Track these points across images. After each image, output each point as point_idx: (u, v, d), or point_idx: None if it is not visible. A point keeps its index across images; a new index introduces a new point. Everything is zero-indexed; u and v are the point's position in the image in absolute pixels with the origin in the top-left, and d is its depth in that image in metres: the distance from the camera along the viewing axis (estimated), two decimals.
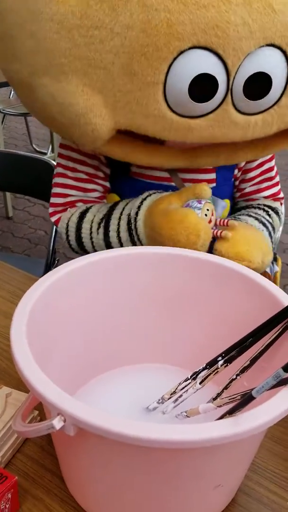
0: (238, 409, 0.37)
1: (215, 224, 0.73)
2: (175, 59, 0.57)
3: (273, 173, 0.94)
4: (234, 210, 0.95)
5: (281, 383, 0.40)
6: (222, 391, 0.53)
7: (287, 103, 0.63)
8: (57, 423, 0.36)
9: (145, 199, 0.75)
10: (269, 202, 0.93)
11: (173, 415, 0.56)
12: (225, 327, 0.56)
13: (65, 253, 2.23)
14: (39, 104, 0.67)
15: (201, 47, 0.56)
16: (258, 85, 0.60)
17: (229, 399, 0.47)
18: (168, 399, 0.56)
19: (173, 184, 0.83)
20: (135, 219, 0.74)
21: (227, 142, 0.68)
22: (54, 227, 1.35)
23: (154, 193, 0.77)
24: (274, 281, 1.03)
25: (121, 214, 0.78)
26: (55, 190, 0.86)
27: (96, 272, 0.56)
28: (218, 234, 0.72)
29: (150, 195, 0.76)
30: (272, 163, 0.94)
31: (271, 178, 0.94)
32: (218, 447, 0.37)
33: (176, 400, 0.56)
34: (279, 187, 0.96)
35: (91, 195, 0.85)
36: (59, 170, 0.86)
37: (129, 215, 0.76)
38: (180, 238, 0.67)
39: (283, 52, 0.59)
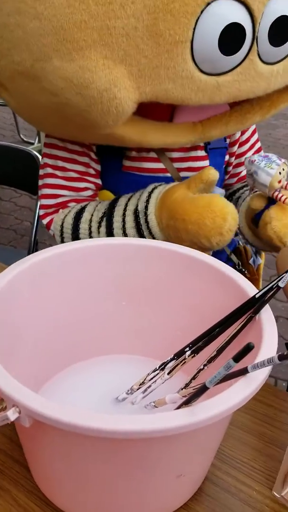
0: (193, 399, 0.37)
1: (282, 187, 0.71)
2: (202, 11, 0.55)
3: (255, 149, 0.95)
4: (230, 194, 0.95)
5: (239, 373, 0.40)
6: (190, 381, 0.53)
7: None
8: (12, 414, 0.36)
9: (152, 191, 0.74)
10: None
11: (142, 405, 0.56)
12: (196, 318, 0.56)
13: (52, 244, 2.21)
14: (45, 96, 0.63)
15: None
16: (281, 30, 0.61)
17: (194, 389, 0.47)
18: (137, 389, 0.56)
19: (168, 174, 0.82)
20: (145, 213, 0.73)
21: (251, 97, 0.68)
22: (37, 218, 1.34)
23: (160, 185, 0.76)
24: (257, 273, 1.03)
25: (124, 210, 0.76)
26: (45, 191, 0.83)
27: (64, 263, 0.56)
28: (281, 198, 0.70)
29: (156, 187, 0.75)
30: (259, 144, 0.95)
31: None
32: (175, 436, 0.37)
33: (145, 390, 0.56)
34: None
35: (83, 194, 0.84)
36: (47, 170, 0.83)
37: (135, 211, 0.74)
38: (207, 221, 0.66)
39: None
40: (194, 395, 0.37)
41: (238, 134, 0.91)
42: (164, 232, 0.73)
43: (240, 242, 1.07)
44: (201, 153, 0.84)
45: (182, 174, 0.83)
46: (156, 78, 0.59)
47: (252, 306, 0.50)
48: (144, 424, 0.35)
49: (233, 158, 0.92)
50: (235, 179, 0.96)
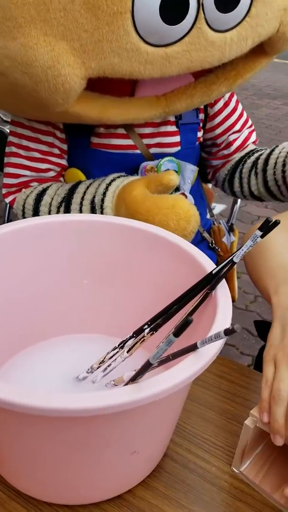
0: (139, 375, 0.36)
1: None
2: None
3: (244, 119, 0.93)
4: (233, 168, 0.92)
5: (189, 349, 0.39)
6: None
7: (257, 12, 0.62)
8: None
9: (109, 184, 0.73)
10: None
11: (103, 384, 0.55)
12: (157, 295, 0.55)
13: None
14: None
15: None
16: None
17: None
18: (98, 368, 0.56)
19: (137, 151, 0.81)
20: (101, 206, 0.72)
21: (206, 68, 0.65)
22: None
23: (119, 177, 0.74)
24: (231, 251, 1.03)
25: (82, 199, 0.74)
26: (8, 170, 0.82)
27: (21, 240, 0.55)
28: None
29: (114, 179, 0.74)
30: (236, 115, 0.92)
31: (250, 125, 0.95)
32: (122, 413, 0.37)
33: (105, 369, 0.55)
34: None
35: (45, 174, 0.82)
36: (12, 149, 0.82)
37: (92, 201, 0.73)
38: (171, 223, 0.65)
39: None
40: (139, 371, 0.36)
41: (216, 108, 0.89)
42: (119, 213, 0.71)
43: (214, 222, 1.07)
44: (172, 128, 0.83)
45: (152, 150, 0.82)
46: (100, 53, 0.57)
47: (209, 282, 0.49)
48: (88, 402, 0.34)
49: (210, 135, 0.90)
50: (232, 148, 0.93)
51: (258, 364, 0.85)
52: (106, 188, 0.72)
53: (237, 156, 0.93)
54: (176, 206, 0.66)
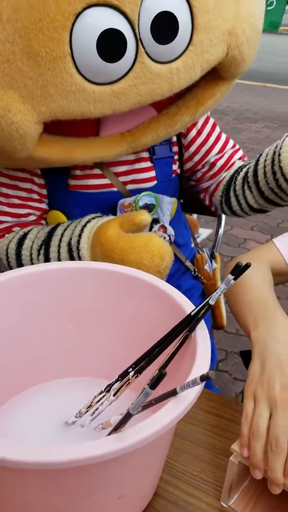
0: (121, 425, 0.38)
1: None
2: (73, 24, 0.56)
3: (223, 141, 0.94)
4: (226, 188, 0.92)
5: (169, 394, 0.41)
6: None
7: (200, 39, 0.63)
8: None
9: (84, 226, 0.75)
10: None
11: (92, 427, 0.57)
12: (140, 336, 0.57)
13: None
14: None
15: (95, 4, 0.55)
16: (165, 27, 0.59)
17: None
18: (86, 412, 0.57)
19: (114, 189, 0.83)
20: (77, 247, 0.74)
21: (158, 99, 0.66)
22: None
23: (93, 218, 0.77)
24: (214, 278, 1.05)
25: (60, 241, 0.77)
26: None
27: (4, 291, 0.56)
28: None
29: (89, 221, 0.76)
30: (211, 140, 0.93)
31: (233, 145, 0.95)
32: (107, 462, 0.38)
33: (93, 413, 0.57)
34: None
35: (26, 219, 0.85)
36: None
37: (69, 243, 0.75)
38: (145, 261, 0.67)
39: None
40: (120, 422, 0.38)
41: (189, 138, 0.90)
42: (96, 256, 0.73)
43: (199, 251, 1.09)
44: (146, 164, 0.86)
45: (129, 187, 0.85)
46: (48, 97, 0.59)
47: (188, 324, 0.51)
48: (71, 453, 0.36)
49: (194, 157, 0.92)
50: (216, 167, 0.93)
51: None
52: (82, 230, 0.74)
53: (226, 175, 0.93)
54: (149, 243, 0.68)
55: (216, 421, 0.64)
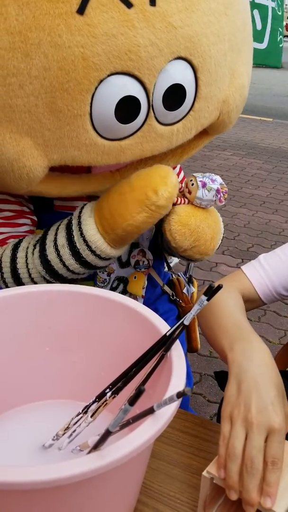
0: (100, 444, 0.39)
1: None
2: (96, 88, 0.60)
3: None
4: None
5: (147, 412, 0.42)
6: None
7: (200, 106, 0.70)
8: None
9: (83, 207, 0.75)
10: None
11: (69, 450, 0.57)
12: (117, 357, 0.58)
13: None
14: None
15: (118, 72, 0.60)
16: (175, 96, 0.66)
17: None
18: (63, 435, 0.57)
19: None
20: (79, 222, 0.73)
21: (157, 154, 0.73)
22: None
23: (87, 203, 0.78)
24: (192, 301, 1.07)
25: (57, 229, 0.77)
26: None
27: None
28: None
29: (85, 204, 0.77)
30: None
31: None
32: (86, 481, 0.39)
33: (71, 435, 0.57)
34: None
35: (21, 229, 0.84)
36: None
37: (68, 225, 0.75)
38: (154, 174, 0.68)
39: (188, 62, 0.65)
40: (100, 440, 0.39)
41: None
42: (101, 221, 0.72)
43: (173, 275, 1.11)
44: None
45: None
46: (61, 147, 0.64)
47: (164, 344, 0.53)
48: (52, 472, 0.36)
49: None
50: None
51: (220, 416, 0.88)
52: (82, 208, 0.75)
53: None
54: (155, 166, 0.70)
55: (192, 441, 0.65)
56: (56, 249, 0.74)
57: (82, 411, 0.56)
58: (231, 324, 0.62)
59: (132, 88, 0.62)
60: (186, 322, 0.51)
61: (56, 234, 0.76)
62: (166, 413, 0.43)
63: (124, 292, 0.90)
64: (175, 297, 1.05)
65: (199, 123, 0.73)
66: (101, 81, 0.60)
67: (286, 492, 0.49)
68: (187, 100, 0.68)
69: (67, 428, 0.57)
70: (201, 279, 2.36)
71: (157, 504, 0.56)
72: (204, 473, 0.51)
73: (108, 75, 0.60)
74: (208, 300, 0.49)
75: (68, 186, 0.74)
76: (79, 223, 0.73)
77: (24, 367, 0.61)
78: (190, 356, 1.74)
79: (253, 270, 0.75)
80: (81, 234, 0.72)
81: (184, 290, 1.08)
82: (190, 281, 1.13)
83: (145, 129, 0.67)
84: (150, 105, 0.65)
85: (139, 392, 0.34)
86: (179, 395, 0.39)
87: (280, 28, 2.65)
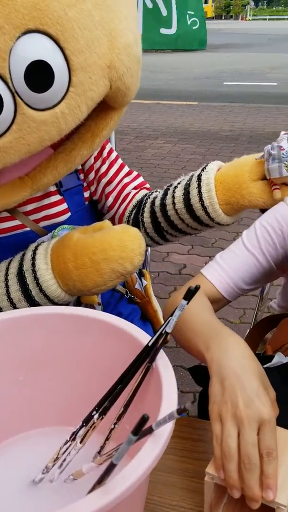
0: (105, 478, 0.37)
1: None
2: None
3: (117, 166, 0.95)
4: (135, 215, 0.93)
5: (145, 433, 0.40)
6: (105, 443, 0.52)
7: (79, 79, 0.61)
8: None
9: (36, 249, 0.73)
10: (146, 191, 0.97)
11: (62, 480, 0.54)
12: (99, 375, 0.56)
13: None
14: None
15: None
16: (40, 75, 0.58)
17: (107, 456, 0.47)
18: (53, 466, 0.54)
19: (27, 229, 0.80)
20: (33, 270, 0.71)
21: (48, 145, 0.65)
22: None
23: (40, 244, 0.75)
24: (147, 295, 1.05)
25: (6, 275, 0.73)
26: None
27: None
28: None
29: (39, 244, 0.74)
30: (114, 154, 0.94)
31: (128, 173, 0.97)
32: None
33: (61, 465, 0.54)
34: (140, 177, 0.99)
35: None
36: None
37: (19, 271, 0.73)
38: (128, 244, 0.70)
39: (43, 32, 0.57)
40: (104, 474, 0.36)
41: (89, 164, 0.90)
42: (64, 277, 0.71)
43: None
44: (55, 197, 0.84)
45: (42, 224, 0.82)
46: None
47: (147, 355, 0.51)
48: None
49: (99, 184, 0.92)
50: (124, 193, 0.94)
51: (202, 412, 0.87)
52: (34, 253, 0.72)
53: (128, 206, 0.94)
54: (126, 230, 0.72)
55: (183, 444, 0.64)
56: (12, 303, 0.74)
57: (70, 438, 0.53)
58: (203, 326, 0.62)
59: None
60: (169, 330, 0.49)
61: (7, 286, 0.73)
62: (165, 431, 0.41)
63: (78, 303, 0.85)
64: (129, 295, 1.03)
65: (86, 98, 0.63)
66: None
67: (287, 482, 0.49)
68: (59, 76, 0.59)
69: (57, 459, 0.54)
70: (155, 271, 2.36)
71: None
72: (206, 478, 0.50)
73: None
74: (188, 303, 0.48)
75: None
76: (36, 279, 0.72)
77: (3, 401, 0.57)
78: None
79: (212, 271, 0.75)
80: (41, 290, 0.72)
81: (137, 286, 1.06)
82: (141, 274, 1.11)
83: (19, 120, 0.59)
84: (13, 92, 0.58)
85: (143, 421, 0.32)
86: (180, 411, 0.37)
87: (190, 11, 2.64)
